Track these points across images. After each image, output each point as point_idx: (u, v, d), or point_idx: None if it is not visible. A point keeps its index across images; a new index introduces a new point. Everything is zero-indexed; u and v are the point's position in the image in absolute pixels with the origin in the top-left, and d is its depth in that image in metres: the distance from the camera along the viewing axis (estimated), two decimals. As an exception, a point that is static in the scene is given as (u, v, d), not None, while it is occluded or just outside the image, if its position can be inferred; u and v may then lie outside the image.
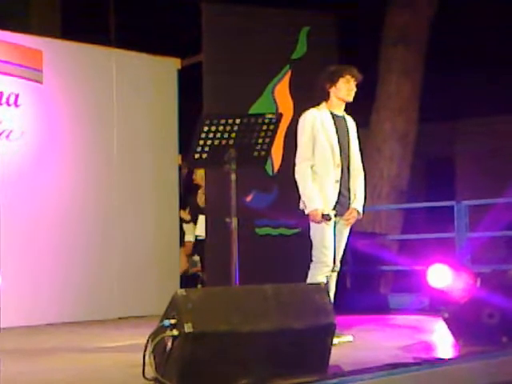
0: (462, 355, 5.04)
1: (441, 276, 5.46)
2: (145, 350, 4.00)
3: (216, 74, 7.89)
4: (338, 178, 5.73)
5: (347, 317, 6.74)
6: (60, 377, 4.51)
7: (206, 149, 4.98)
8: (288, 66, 8.11)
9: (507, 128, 14.09)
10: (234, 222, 5.07)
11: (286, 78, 8.12)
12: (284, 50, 8.14)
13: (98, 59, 8.29)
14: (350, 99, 5.84)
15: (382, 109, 10.68)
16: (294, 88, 8.02)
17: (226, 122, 4.96)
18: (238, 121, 4.98)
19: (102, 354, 5.43)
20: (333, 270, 5.77)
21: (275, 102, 8.06)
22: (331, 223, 5.70)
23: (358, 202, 5.83)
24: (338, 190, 5.73)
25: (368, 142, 10.77)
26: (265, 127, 5.07)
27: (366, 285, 10.18)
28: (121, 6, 12.82)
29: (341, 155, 5.76)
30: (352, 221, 5.84)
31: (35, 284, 7.61)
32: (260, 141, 5.10)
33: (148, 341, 4.00)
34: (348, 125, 5.89)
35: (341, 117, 5.86)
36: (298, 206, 5.78)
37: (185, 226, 9.25)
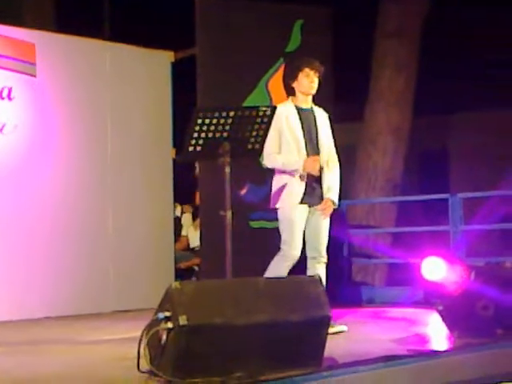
0: (456, 347, 5.05)
1: (435, 269, 5.47)
2: (139, 343, 4.00)
3: (210, 66, 7.88)
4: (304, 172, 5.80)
5: (341, 309, 6.75)
6: (54, 370, 4.50)
7: (200, 142, 4.97)
8: (282, 60, 8.10)
9: (501, 121, 14.10)
10: (229, 214, 5.07)
11: (280, 71, 8.10)
12: (278, 43, 8.13)
13: (92, 52, 8.27)
14: (312, 92, 5.88)
15: (376, 102, 10.67)
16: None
17: (220, 115, 4.95)
18: (231, 113, 4.97)
19: (96, 347, 5.43)
20: (320, 262, 5.81)
21: (269, 94, 8.06)
22: (302, 216, 5.76)
23: (331, 192, 5.89)
24: (304, 183, 5.79)
25: (362, 135, 10.79)
26: (259, 120, 5.07)
27: (360, 277, 10.20)
28: (114, -1, 12.80)
29: (307, 149, 5.82)
30: (328, 211, 5.88)
31: (28, 278, 7.59)
32: (254, 133, 5.09)
33: (142, 334, 4.00)
34: (316, 117, 5.92)
35: (307, 109, 5.91)
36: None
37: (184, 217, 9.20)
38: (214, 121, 4.95)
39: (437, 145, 15.25)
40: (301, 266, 5.82)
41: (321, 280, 4.31)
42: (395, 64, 10.61)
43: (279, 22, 8.18)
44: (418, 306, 7.41)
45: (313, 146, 5.85)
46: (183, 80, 8.56)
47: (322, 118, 5.97)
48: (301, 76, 5.86)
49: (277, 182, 5.89)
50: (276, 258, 5.78)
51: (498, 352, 4.94)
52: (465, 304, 5.28)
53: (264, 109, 5.13)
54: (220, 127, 4.97)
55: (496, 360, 4.88)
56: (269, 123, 5.13)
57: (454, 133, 15.18)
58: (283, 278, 4.37)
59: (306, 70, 5.85)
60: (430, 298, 6.31)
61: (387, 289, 9.02)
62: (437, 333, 5.77)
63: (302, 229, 5.81)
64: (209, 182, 7.55)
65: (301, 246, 5.79)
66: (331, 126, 6.03)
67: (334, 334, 5.28)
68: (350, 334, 5.69)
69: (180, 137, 6.37)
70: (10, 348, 5.36)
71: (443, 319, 5.43)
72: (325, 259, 5.86)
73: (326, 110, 6.03)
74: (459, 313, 5.31)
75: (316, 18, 8.38)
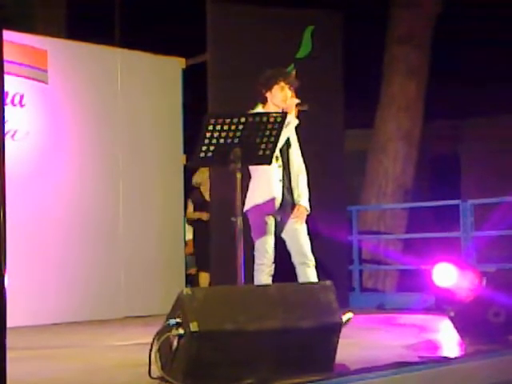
0: (467, 354, 5.03)
1: (446, 275, 5.46)
2: (150, 349, 4.00)
3: (221, 72, 7.89)
4: (281, 178, 5.80)
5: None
6: (67, 376, 4.52)
7: (211, 148, 4.97)
8: (293, 66, 8.11)
9: (512, 127, 14.08)
10: (240, 221, 5.07)
11: (291, 78, 8.10)
12: (289, 49, 8.13)
13: (103, 59, 8.30)
14: (285, 106, 5.76)
15: (387, 108, 10.68)
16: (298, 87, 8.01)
17: (231, 121, 4.95)
18: (242, 119, 4.97)
19: (108, 354, 5.44)
20: (309, 266, 5.81)
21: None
22: (273, 223, 5.75)
23: (302, 199, 5.88)
24: (281, 190, 5.79)
25: (373, 141, 10.79)
26: (270, 126, 5.07)
27: (371, 283, 10.19)
28: (126, 5, 12.83)
29: (282, 156, 5.80)
30: (301, 217, 5.86)
31: (42, 284, 7.62)
32: (265, 139, 5.09)
33: (154, 340, 4.00)
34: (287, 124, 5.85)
35: None
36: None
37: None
38: (226, 127, 4.95)
39: (448, 151, 15.23)
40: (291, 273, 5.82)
41: (332, 287, 4.31)
42: (406, 69, 10.62)
43: (290, 28, 8.19)
44: (429, 313, 7.40)
45: (284, 156, 5.84)
46: (194, 86, 8.58)
47: (291, 125, 5.88)
48: (275, 88, 5.80)
49: (252, 187, 5.85)
50: (255, 274, 5.79)
51: (509, 358, 4.93)
52: (476, 310, 5.27)
53: (275, 115, 5.13)
54: (231, 133, 4.96)
55: (507, 366, 4.87)
56: (280, 129, 5.13)
57: (465, 138, 15.16)
58: (294, 284, 4.37)
59: (282, 83, 5.79)
60: (442, 304, 6.30)
61: (398, 295, 9.01)
62: (448, 339, 5.76)
63: (273, 236, 5.80)
64: (220, 187, 7.55)
65: (273, 254, 5.78)
66: (297, 133, 5.97)
67: (344, 324, 5.26)
68: (361, 341, 5.68)
69: (191, 143, 6.38)
70: (24, 354, 5.37)
71: (454, 325, 5.42)
72: (313, 262, 5.83)
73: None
74: (470, 319, 5.30)
75: (327, 23, 8.38)
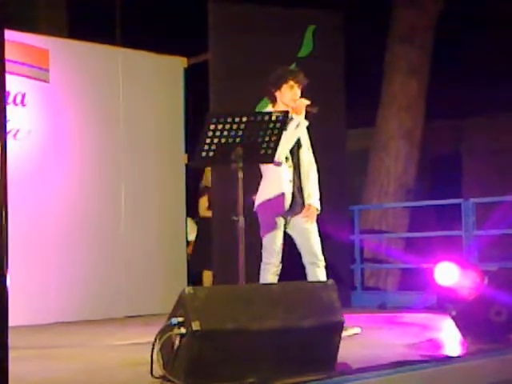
0: (469, 353, 5.03)
1: (448, 274, 5.46)
2: (152, 349, 4.00)
3: (222, 72, 7.89)
4: (291, 178, 5.80)
5: (354, 314, 6.74)
6: (67, 375, 4.52)
7: (213, 147, 4.97)
8: (294, 65, 8.10)
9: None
10: (241, 220, 5.07)
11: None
12: (290, 48, 8.13)
13: (105, 58, 8.30)
14: (294, 105, 5.77)
15: (388, 107, 10.67)
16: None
17: (233, 120, 4.95)
18: (244, 119, 4.97)
19: (109, 353, 5.44)
20: (319, 266, 5.81)
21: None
22: (282, 222, 5.76)
23: (312, 198, 5.88)
24: (291, 189, 5.78)
25: (374, 140, 10.78)
26: (272, 125, 5.07)
27: (373, 282, 10.20)
28: (127, 5, 12.84)
29: (292, 157, 5.80)
30: (312, 216, 5.86)
31: (43, 283, 7.63)
32: (267, 139, 5.09)
33: (155, 339, 4.00)
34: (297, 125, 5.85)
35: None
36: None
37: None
38: (227, 126, 4.95)
39: (449, 150, 15.22)
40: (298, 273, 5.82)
41: (334, 286, 4.30)
42: (407, 68, 10.61)
43: (292, 28, 8.19)
44: (431, 311, 7.40)
45: (295, 156, 5.84)
46: (196, 86, 8.58)
47: (301, 126, 5.89)
48: (285, 87, 5.81)
49: (263, 186, 5.86)
50: (261, 273, 5.78)
51: (511, 357, 4.93)
52: (478, 309, 5.27)
53: (277, 114, 5.13)
54: (233, 132, 4.96)
55: (509, 365, 4.87)
56: (281, 128, 5.13)
57: (466, 138, 15.15)
58: (296, 283, 4.37)
59: (291, 82, 5.80)
60: (443, 303, 6.29)
61: (400, 294, 9.00)
62: (450, 338, 5.76)
63: (282, 236, 5.80)
64: (221, 187, 7.55)
65: (280, 253, 5.78)
66: (309, 132, 5.97)
67: (349, 336, 5.29)
68: (363, 340, 5.68)
69: (192, 142, 6.38)
70: (24, 353, 5.37)
71: (456, 324, 5.42)
72: (323, 262, 5.84)
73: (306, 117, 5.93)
74: (472, 318, 5.30)
75: (328, 22, 8.38)
